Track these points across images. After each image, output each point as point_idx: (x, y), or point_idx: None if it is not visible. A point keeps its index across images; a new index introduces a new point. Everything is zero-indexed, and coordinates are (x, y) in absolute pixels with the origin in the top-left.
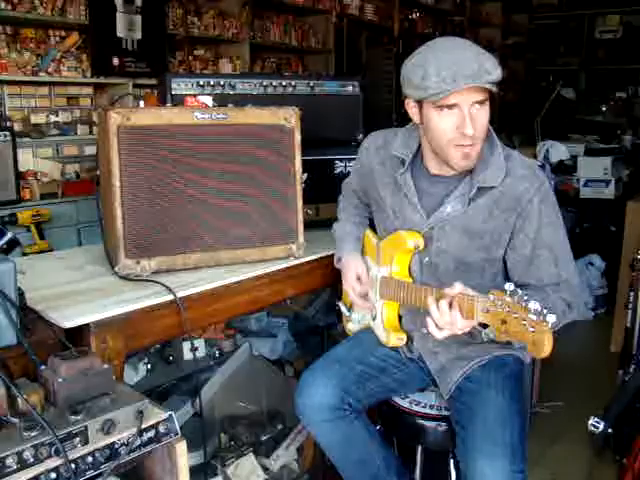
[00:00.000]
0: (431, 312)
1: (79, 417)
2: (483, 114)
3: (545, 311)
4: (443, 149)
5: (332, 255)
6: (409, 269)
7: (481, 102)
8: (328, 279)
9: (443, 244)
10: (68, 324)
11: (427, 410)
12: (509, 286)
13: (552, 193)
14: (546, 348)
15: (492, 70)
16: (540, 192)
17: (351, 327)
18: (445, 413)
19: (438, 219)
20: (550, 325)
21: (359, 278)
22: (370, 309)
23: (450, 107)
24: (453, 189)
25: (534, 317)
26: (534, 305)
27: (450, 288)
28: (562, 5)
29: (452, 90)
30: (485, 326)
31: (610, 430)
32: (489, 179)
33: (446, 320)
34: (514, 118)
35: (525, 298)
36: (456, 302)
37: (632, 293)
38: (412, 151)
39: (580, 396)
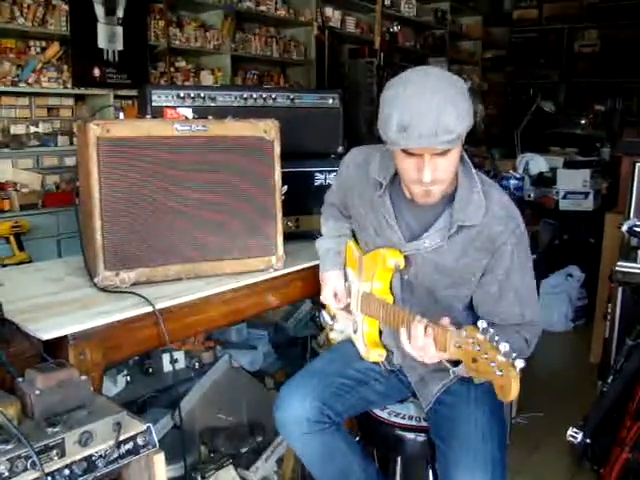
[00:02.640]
0: (400, 336)
1: (56, 429)
2: (446, 162)
3: (514, 355)
4: (407, 184)
5: (312, 267)
6: (390, 286)
7: (442, 153)
8: (308, 291)
9: (418, 271)
10: (46, 336)
11: (406, 421)
12: (482, 324)
13: (526, 235)
14: (512, 393)
15: (454, 126)
16: (515, 235)
17: (334, 336)
18: (424, 424)
19: (415, 249)
20: (517, 370)
21: (336, 295)
22: (352, 321)
23: (411, 154)
24: (432, 221)
25: (503, 359)
26: (504, 347)
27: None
28: (541, 19)
29: (406, 147)
30: (455, 364)
31: (588, 440)
32: (469, 218)
33: (418, 345)
34: (494, 131)
35: (496, 338)
36: (431, 329)
37: (610, 304)
38: (390, 173)
39: (560, 406)
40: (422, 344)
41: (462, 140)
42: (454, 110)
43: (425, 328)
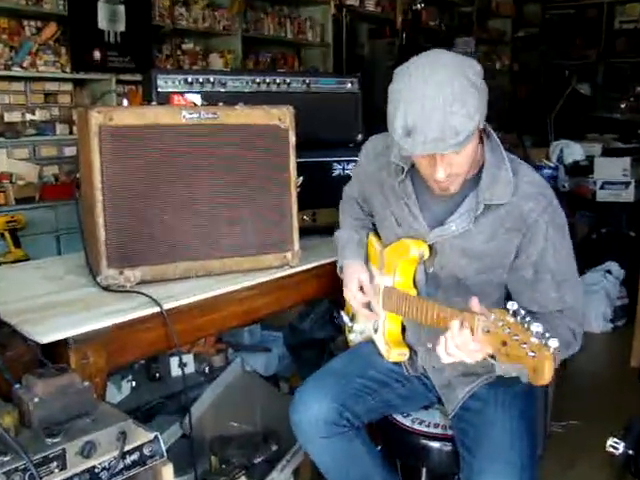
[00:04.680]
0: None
1: (56, 440)
2: (460, 158)
3: (547, 334)
4: (424, 177)
5: (330, 263)
6: (414, 279)
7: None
8: (326, 289)
9: (444, 260)
10: (45, 339)
11: (431, 429)
12: (512, 305)
13: (560, 213)
14: (546, 375)
15: (462, 128)
16: (547, 212)
17: (353, 338)
18: (451, 432)
19: (440, 235)
20: (552, 350)
21: (362, 287)
22: (374, 319)
23: None
24: (458, 204)
25: (536, 340)
26: (536, 327)
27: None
28: None
29: (411, 154)
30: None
31: (631, 452)
32: (496, 196)
33: (456, 342)
34: (525, 116)
35: (528, 319)
36: (467, 322)
37: None
38: (411, 159)
39: (598, 414)
40: (459, 341)
41: (479, 127)
42: (462, 108)
43: (461, 322)
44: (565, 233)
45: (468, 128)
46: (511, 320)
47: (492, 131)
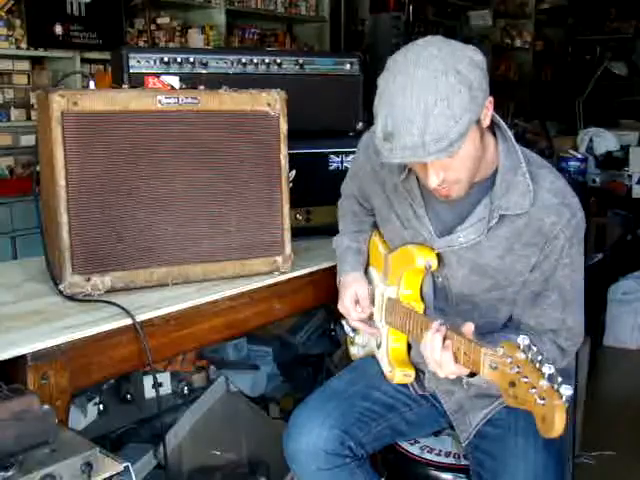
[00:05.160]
0: (421, 344)
1: (9, 473)
2: (456, 162)
3: (560, 379)
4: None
5: (327, 269)
6: (421, 291)
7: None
8: (322, 297)
9: (451, 274)
10: None
11: (442, 459)
12: (523, 340)
13: (583, 226)
14: (557, 427)
15: (445, 132)
16: (570, 226)
17: (355, 352)
18: (464, 462)
19: (448, 246)
20: (564, 399)
21: (357, 302)
22: (376, 335)
23: None
24: (468, 212)
25: (546, 384)
26: (549, 369)
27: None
28: None
29: (388, 162)
30: (472, 374)
31: None
32: (513, 206)
33: (435, 358)
34: (549, 100)
35: (540, 358)
36: (450, 341)
37: None
38: None
39: (635, 443)
40: (438, 358)
41: (474, 127)
42: (446, 110)
43: (444, 339)
44: (582, 249)
45: (453, 132)
46: (521, 357)
47: (506, 128)
